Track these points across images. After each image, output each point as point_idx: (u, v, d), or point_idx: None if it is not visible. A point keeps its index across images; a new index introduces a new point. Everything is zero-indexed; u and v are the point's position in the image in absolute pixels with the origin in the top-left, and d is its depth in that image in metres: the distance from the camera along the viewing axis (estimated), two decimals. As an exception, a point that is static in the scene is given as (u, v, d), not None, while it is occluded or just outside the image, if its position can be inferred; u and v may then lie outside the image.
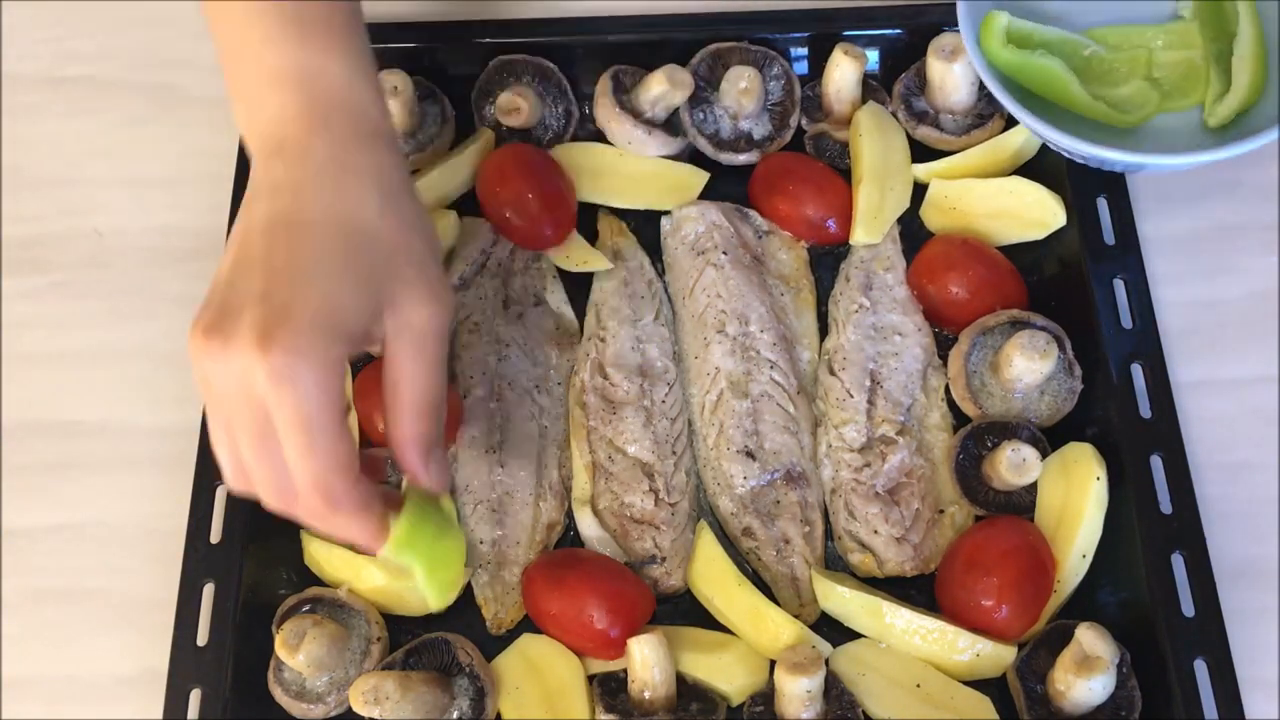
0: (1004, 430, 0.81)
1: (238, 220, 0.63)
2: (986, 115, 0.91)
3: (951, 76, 0.89)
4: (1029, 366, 0.80)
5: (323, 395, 0.58)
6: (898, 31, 0.95)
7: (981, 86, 0.91)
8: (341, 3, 0.68)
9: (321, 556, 0.79)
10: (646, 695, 0.73)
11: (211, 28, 0.69)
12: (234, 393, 0.58)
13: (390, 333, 0.62)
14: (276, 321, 0.57)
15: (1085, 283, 0.84)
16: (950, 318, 0.86)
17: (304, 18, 0.65)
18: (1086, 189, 0.87)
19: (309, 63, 0.65)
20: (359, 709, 0.71)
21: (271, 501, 0.61)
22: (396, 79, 0.90)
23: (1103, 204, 0.87)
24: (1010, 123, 0.91)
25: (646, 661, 0.73)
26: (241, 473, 0.61)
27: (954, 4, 0.87)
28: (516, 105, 0.91)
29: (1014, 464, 0.77)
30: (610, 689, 0.75)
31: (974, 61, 0.84)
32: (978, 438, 0.81)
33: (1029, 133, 0.89)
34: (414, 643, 0.77)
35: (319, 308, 0.59)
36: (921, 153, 0.92)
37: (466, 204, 0.92)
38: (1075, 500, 0.77)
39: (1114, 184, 0.88)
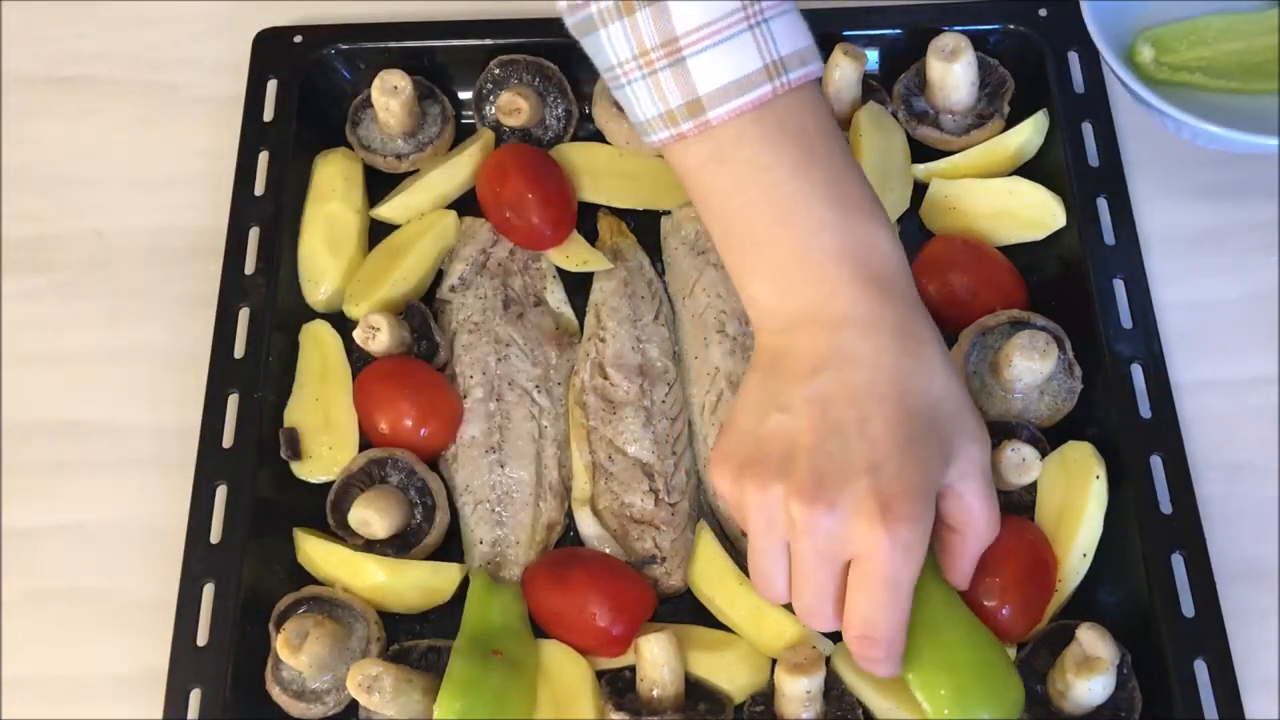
0: (1004, 430, 0.80)
1: (793, 386, 0.67)
2: (986, 115, 0.91)
3: (951, 76, 0.89)
4: (1029, 367, 0.80)
5: (918, 560, 0.65)
6: (897, 31, 0.95)
7: (982, 85, 0.91)
8: (856, 173, 0.70)
9: (316, 555, 0.79)
10: (656, 694, 0.73)
11: (721, 218, 0.70)
12: (824, 549, 0.65)
13: (955, 479, 0.67)
14: (893, 495, 0.63)
15: (1085, 283, 0.84)
16: (950, 318, 0.86)
17: (847, 198, 0.68)
18: (1086, 189, 0.88)
19: (861, 240, 0.68)
20: (351, 689, 0.72)
21: (810, 622, 0.69)
22: (396, 79, 0.90)
23: (1103, 204, 0.87)
24: (1010, 123, 0.91)
25: (656, 660, 0.73)
26: (779, 593, 0.69)
27: (955, 3, 0.87)
28: (517, 105, 0.91)
29: (1014, 464, 0.77)
30: (618, 687, 0.75)
31: (1126, 81, 0.85)
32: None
33: (1029, 133, 0.89)
34: (419, 645, 0.77)
35: (923, 479, 0.64)
36: (921, 153, 0.92)
37: (467, 204, 0.92)
38: (1075, 499, 0.77)
39: (1114, 184, 0.88)
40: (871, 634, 0.66)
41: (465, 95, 0.97)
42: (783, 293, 0.69)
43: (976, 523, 0.69)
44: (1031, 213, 0.88)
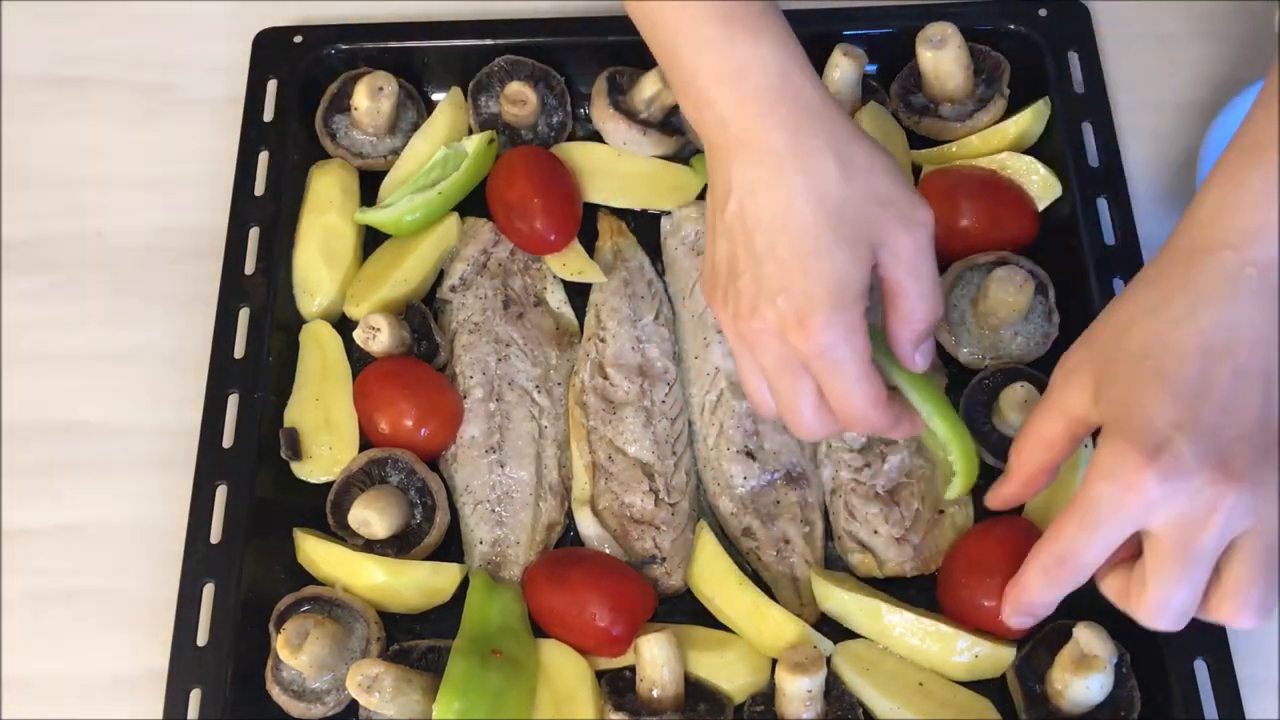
0: (1005, 377, 0.82)
1: (717, 215, 0.72)
2: (987, 98, 0.91)
3: (943, 64, 0.89)
4: (1003, 300, 0.81)
5: (854, 352, 0.69)
6: (896, 31, 0.95)
7: (977, 72, 0.91)
8: None
9: (316, 555, 0.79)
10: (655, 694, 0.73)
11: (646, 33, 0.75)
12: (776, 360, 0.71)
13: (886, 263, 0.71)
14: (805, 310, 0.68)
15: (1085, 283, 0.84)
16: (952, 250, 0.86)
17: (730, 15, 0.70)
18: (1086, 189, 0.88)
19: (739, 56, 0.70)
20: (351, 688, 0.72)
21: (799, 430, 0.73)
22: (381, 80, 0.91)
23: (1103, 204, 0.87)
24: (1010, 109, 0.91)
25: (656, 661, 0.73)
26: (767, 403, 0.74)
27: (954, 3, 0.86)
28: (524, 96, 0.91)
29: (1018, 400, 0.79)
30: (618, 688, 0.75)
31: None
32: (983, 387, 0.83)
33: (1029, 120, 0.89)
34: (418, 645, 0.77)
35: (832, 285, 0.68)
36: (930, 147, 0.92)
37: (467, 204, 0.92)
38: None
39: (1114, 184, 0.88)
40: (852, 418, 0.71)
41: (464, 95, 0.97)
42: (697, 112, 0.72)
43: (904, 296, 0.71)
44: (1027, 186, 0.88)
